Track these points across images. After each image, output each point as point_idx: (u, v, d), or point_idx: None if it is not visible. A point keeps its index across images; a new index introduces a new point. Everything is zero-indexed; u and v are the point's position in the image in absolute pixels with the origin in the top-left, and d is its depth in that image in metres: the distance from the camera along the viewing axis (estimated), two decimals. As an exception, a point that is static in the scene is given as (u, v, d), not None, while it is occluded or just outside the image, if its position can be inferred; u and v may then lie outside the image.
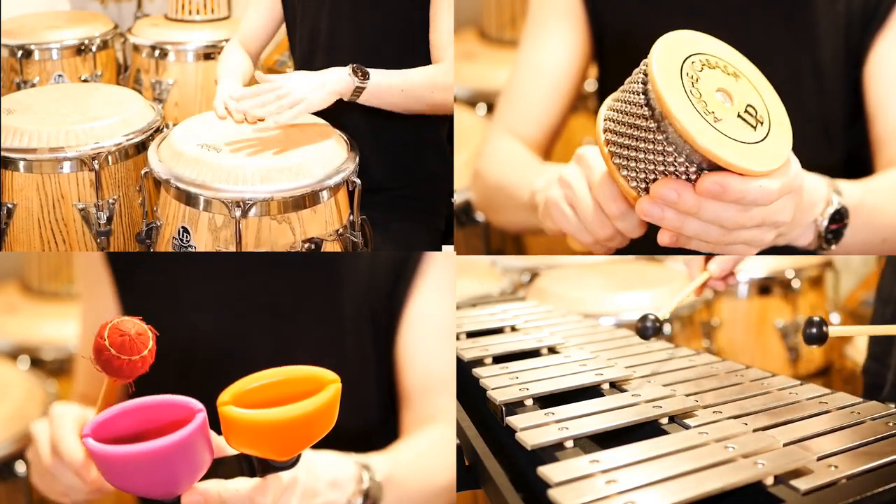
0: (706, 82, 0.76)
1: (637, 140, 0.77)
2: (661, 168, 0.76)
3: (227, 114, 1.30)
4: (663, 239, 0.81)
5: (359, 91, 1.27)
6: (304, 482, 0.85)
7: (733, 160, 0.74)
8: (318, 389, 0.74)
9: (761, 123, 0.77)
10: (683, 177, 0.76)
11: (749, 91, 0.79)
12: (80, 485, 0.90)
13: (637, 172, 0.78)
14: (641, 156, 0.77)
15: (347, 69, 1.27)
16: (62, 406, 0.94)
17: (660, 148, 0.75)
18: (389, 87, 1.29)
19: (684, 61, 0.77)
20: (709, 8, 1.15)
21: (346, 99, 1.28)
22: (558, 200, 0.90)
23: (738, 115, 0.76)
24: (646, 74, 0.77)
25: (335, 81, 1.26)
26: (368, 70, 1.27)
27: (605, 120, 0.81)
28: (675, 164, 0.75)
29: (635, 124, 0.77)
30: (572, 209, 0.89)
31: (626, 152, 0.78)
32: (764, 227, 0.80)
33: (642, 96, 0.77)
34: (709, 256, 1.09)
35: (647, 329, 0.90)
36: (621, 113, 0.79)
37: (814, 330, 0.77)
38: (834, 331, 0.78)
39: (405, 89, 1.30)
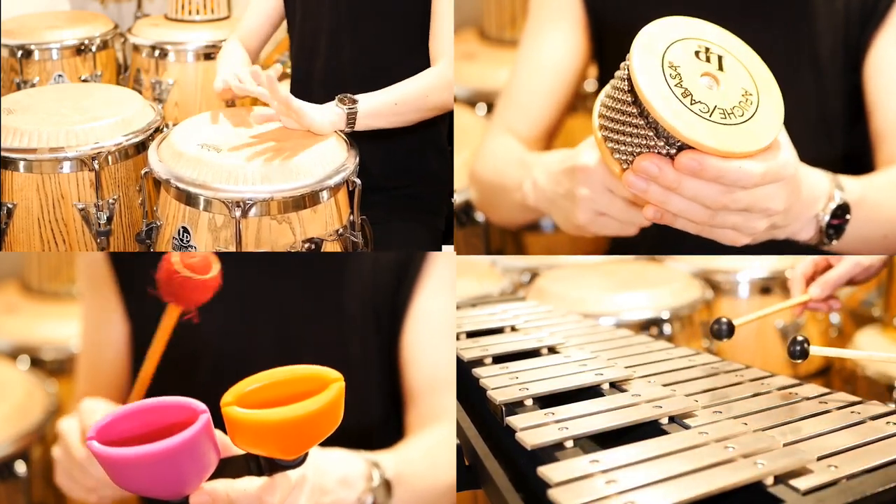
0: (690, 67, 0.81)
1: (624, 125, 0.82)
2: (646, 151, 0.81)
3: (228, 86, 1.30)
4: (648, 213, 0.85)
5: (352, 117, 1.26)
6: (313, 480, 0.85)
7: (705, 141, 0.77)
8: (321, 389, 0.74)
9: (750, 104, 0.80)
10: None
11: (740, 73, 0.83)
12: None
13: (627, 155, 0.83)
14: (629, 139, 0.82)
15: (334, 101, 1.27)
16: (92, 401, 0.94)
17: (642, 132, 0.81)
18: (382, 104, 1.28)
19: (668, 47, 0.81)
20: (708, 6, 1.15)
21: (343, 129, 1.28)
22: (588, 216, 0.94)
23: (724, 98, 0.80)
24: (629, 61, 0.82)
25: (329, 113, 1.26)
26: (355, 97, 1.27)
27: (600, 105, 0.87)
28: (657, 146, 0.80)
29: (622, 110, 0.82)
30: (604, 216, 0.94)
31: (616, 136, 0.84)
32: (752, 213, 0.81)
33: (626, 82, 0.82)
34: (811, 279, 1.10)
35: (722, 331, 0.97)
36: (611, 99, 0.84)
37: (797, 348, 0.86)
38: (816, 350, 0.87)
39: (398, 102, 1.29)
